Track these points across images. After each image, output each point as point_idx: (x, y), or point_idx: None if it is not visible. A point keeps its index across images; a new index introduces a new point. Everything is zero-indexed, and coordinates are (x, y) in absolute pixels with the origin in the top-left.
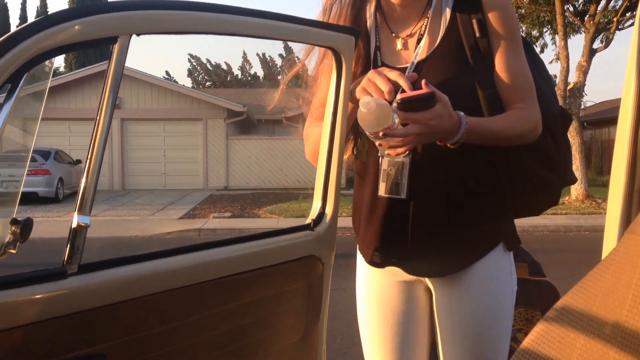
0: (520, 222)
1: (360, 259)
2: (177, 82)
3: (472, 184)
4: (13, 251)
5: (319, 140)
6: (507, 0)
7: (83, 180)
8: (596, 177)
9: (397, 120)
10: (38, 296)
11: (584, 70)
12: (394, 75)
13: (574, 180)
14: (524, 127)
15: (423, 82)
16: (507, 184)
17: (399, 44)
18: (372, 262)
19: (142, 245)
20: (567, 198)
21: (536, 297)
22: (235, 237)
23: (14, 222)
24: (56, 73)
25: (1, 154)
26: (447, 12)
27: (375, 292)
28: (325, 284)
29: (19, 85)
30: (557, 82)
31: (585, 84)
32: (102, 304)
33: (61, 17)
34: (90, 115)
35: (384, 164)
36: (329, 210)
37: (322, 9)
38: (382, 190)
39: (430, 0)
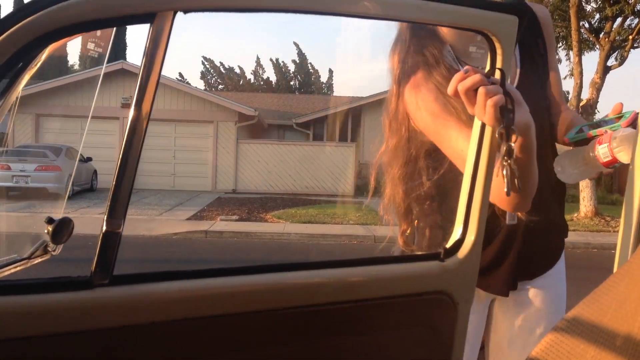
0: None
1: None
2: (189, 84)
3: (556, 188)
4: (54, 253)
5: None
6: (549, 14)
7: (114, 181)
8: (606, 195)
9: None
10: (56, 306)
11: (598, 87)
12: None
13: None
14: None
15: (619, 104)
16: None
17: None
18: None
19: (148, 245)
20: (575, 215)
21: None
22: (334, 260)
23: (50, 221)
24: (70, 70)
25: (13, 148)
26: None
27: None
28: (459, 327)
29: (32, 61)
30: (570, 97)
31: (598, 101)
32: (133, 323)
33: None
34: (103, 113)
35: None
36: (470, 239)
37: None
38: (509, 219)
39: None
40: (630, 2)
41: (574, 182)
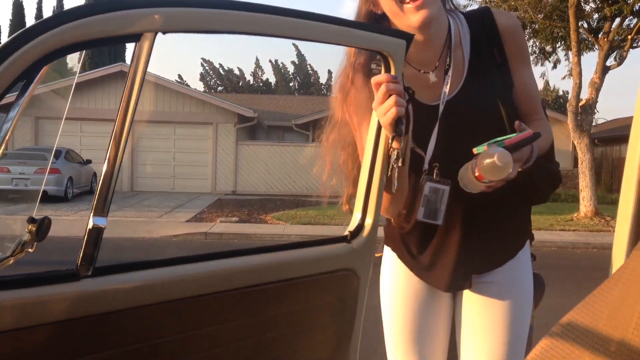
0: None
1: (386, 259)
2: (189, 86)
3: (505, 193)
4: (30, 250)
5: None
6: (518, 23)
7: (100, 181)
8: (606, 195)
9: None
10: (49, 297)
11: (597, 87)
12: (382, 77)
13: (558, 163)
14: (551, 135)
15: (517, 123)
16: (530, 186)
17: (432, 77)
18: (415, 271)
19: (148, 247)
20: (575, 215)
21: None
22: (264, 245)
23: (31, 221)
24: (69, 73)
25: (13, 151)
26: (467, 45)
27: (402, 291)
28: (360, 300)
29: (33, 81)
30: (569, 97)
31: (597, 101)
32: (115, 309)
33: (82, 11)
34: (102, 116)
35: (426, 189)
36: (368, 222)
37: (347, 64)
38: (420, 215)
39: (448, 35)
40: (628, 2)
41: (473, 191)
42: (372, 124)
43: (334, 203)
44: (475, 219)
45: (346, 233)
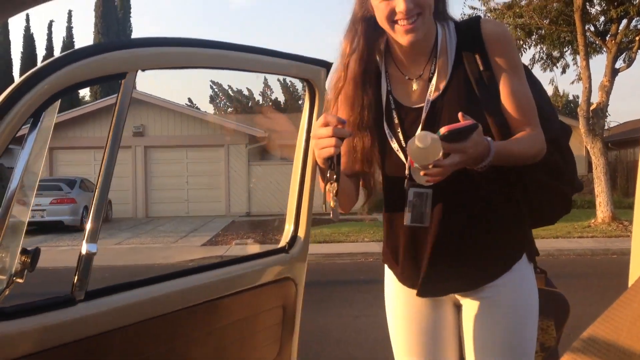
0: (546, 246)
1: (388, 280)
2: (199, 109)
3: (490, 203)
4: (20, 280)
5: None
6: (506, 31)
7: (91, 211)
8: (622, 199)
9: (442, 152)
10: (49, 324)
11: (607, 90)
12: (328, 131)
13: (581, 186)
14: (534, 147)
15: (460, 114)
16: (523, 199)
17: (414, 85)
18: (406, 283)
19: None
20: (593, 221)
21: (551, 308)
22: (215, 262)
23: (24, 252)
24: (81, 102)
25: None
26: (452, 52)
27: (404, 310)
28: (298, 304)
29: (41, 119)
30: (579, 102)
31: (608, 104)
32: (106, 330)
33: (77, 55)
34: None
35: (410, 195)
36: (301, 233)
37: (339, 65)
38: (407, 220)
39: (435, 43)
40: (634, 3)
41: (420, 182)
42: (300, 141)
43: (347, 220)
44: (463, 223)
45: (284, 244)
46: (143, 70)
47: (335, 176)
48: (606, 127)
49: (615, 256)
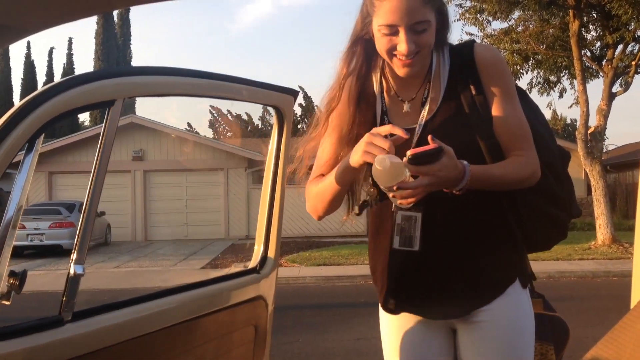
0: (547, 268)
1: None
2: (198, 133)
3: (482, 228)
4: (7, 302)
5: (318, 195)
6: (498, 56)
7: (79, 233)
8: (622, 221)
9: (408, 174)
10: (37, 345)
11: (604, 114)
12: (387, 128)
13: (579, 212)
14: (522, 172)
15: (429, 137)
16: (516, 224)
17: (405, 107)
18: (387, 309)
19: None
20: (593, 243)
21: (550, 332)
22: (191, 283)
23: (12, 274)
24: (81, 127)
25: (27, 207)
26: (445, 76)
27: (398, 336)
28: (269, 322)
29: (34, 147)
30: (577, 125)
31: (606, 127)
32: (92, 350)
33: (67, 84)
34: (115, 167)
35: (398, 218)
36: (271, 253)
37: (335, 85)
38: (396, 244)
39: (429, 68)
40: (630, 28)
41: (397, 204)
42: (269, 165)
43: (348, 243)
44: (453, 248)
45: (255, 264)
46: (128, 98)
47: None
48: (604, 150)
49: (616, 278)
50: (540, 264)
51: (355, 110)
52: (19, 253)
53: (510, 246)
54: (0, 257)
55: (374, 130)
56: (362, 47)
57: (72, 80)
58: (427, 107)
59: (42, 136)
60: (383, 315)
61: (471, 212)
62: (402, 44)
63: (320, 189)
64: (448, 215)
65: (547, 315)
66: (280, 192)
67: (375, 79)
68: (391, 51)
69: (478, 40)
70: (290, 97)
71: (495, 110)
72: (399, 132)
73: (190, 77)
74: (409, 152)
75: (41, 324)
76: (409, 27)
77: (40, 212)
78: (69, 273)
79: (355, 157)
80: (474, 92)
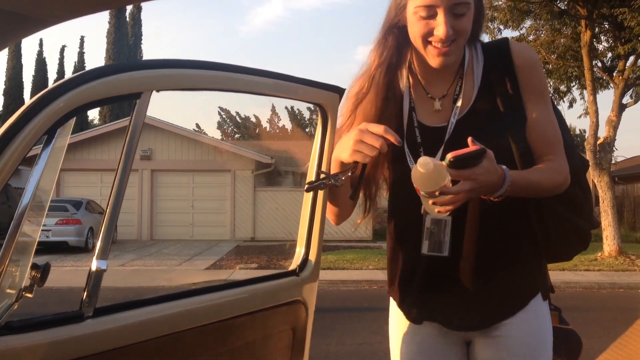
0: (552, 278)
1: (394, 314)
2: (206, 134)
3: (510, 237)
4: (30, 295)
5: (328, 199)
6: (537, 58)
7: (102, 227)
8: (629, 233)
9: (449, 179)
10: (57, 339)
11: (614, 125)
12: (379, 129)
13: (597, 223)
14: (558, 178)
15: (470, 139)
16: (542, 233)
17: (436, 105)
18: (410, 318)
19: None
20: (599, 254)
21: (563, 346)
22: (225, 283)
23: (34, 267)
24: (90, 125)
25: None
26: (479, 72)
27: (412, 347)
28: (309, 327)
29: (55, 137)
30: (587, 136)
31: (615, 139)
32: (114, 347)
33: (94, 74)
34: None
35: (427, 222)
36: (312, 256)
37: (364, 75)
38: (424, 248)
39: (462, 63)
40: None
41: (431, 214)
42: (312, 165)
43: (353, 247)
44: (481, 256)
45: (294, 267)
46: (158, 91)
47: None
48: (613, 162)
49: (622, 290)
50: None
51: (382, 105)
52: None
53: (535, 256)
54: (11, 250)
55: (363, 126)
56: (394, 37)
57: (97, 71)
58: (459, 105)
59: (69, 129)
60: (396, 321)
61: (499, 219)
62: (440, 27)
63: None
64: (476, 221)
65: (562, 329)
66: (323, 192)
67: (403, 74)
68: (427, 37)
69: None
70: (335, 95)
71: (531, 112)
72: (391, 138)
73: (230, 72)
74: (449, 155)
75: (61, 318)
76: (448, 9)
77: (47, 209)
78: (90, 268)
79: (344, 154)
80: (510, 90)
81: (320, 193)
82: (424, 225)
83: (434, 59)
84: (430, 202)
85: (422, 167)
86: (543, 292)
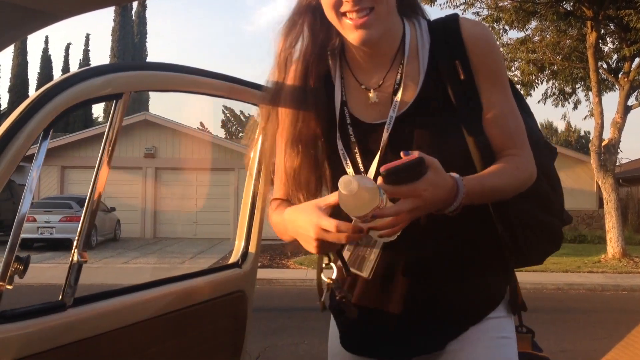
0: (556, 280)
1: (333, 333)
2: (210, 133)
3: (467, 245)
4: (9, 287)
5: (284, 235)
6: (491, 36)
7: (82, 221)
8: (633, 235)
9: (384, 197)
10: (41, 327)
11: (619, 127)
12: (331, 225)
13: (569, 219)
14: (522, 175)
15: (402, 153)
16: (505, 235)
17: (372, 97)
18: (347, 347)
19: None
20: (603, 256)
21: None
22: (174, 276)
23: (17, 259)
24: (94, 123)
25: (39, 200)
26: (425, 56)
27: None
28: (249, 314)
29: (48, 138)
30: (591, 138)
31: (620, 141)
32: (88, 336)
33: (81, 76)
34: (126, 164)
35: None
36: (252, 249)
37: (275, 65)
38: (343, 259)
39: (401, 44)
40: None
41: (377, 239)
42: (253, 162)
43: None
44: (432, 272)
45: (237, 259)
46: (135, 91)
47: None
48: (618, 164)
49: (626, 292)
50: (549, 276)
51: (305, 97)
52: (28, 245)
53: (498, 264)
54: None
55: (316, 220)
56: (308, 18)
57: (83, 73)
58: (399, 96)
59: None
60: (334, 344)
61: (453, 228)
62: None
63: (282, 229)
64: (424, 232)
65: (536, 356)
66: (263, 187)
67: (333, 61)
68: (337, 7)
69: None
70: None
71: (488, 99)
72: (349, 233)
73: (193, 75)
74: (382, 168)
75: (45, 308)
76: None
77: (52, 206)
78: (72, 259)
79: (310, 248)
80: (462, 76)
81: (261, 186)
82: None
83: (351, 33)
84: (366, 227)
85: (345, 189)
86: (507, 306)
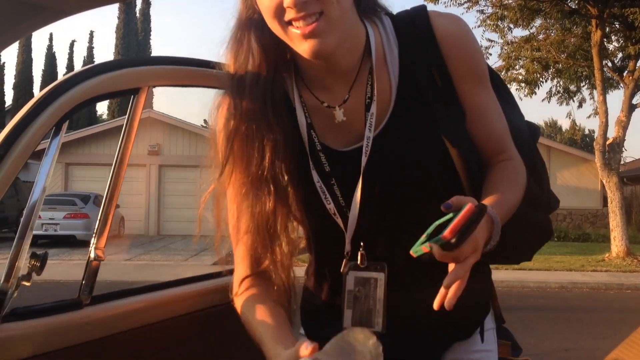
0: (559, 278)
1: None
2: None
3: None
4: (27, 284)
5: (251, 333)
6: (467, 30)
7: (99, 219)
8: (637, 234)
9: (380, 349)
10: (57, 326)
11: (624, 126)
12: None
13: (556, 203)
14: (522, 180)
15: (442, 207)
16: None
17: (338, 115)
18: None
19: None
20: (607, 255)
21: None
22: (207, 273)
23: (34, 256)
24: (99, 120)
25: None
26: (394, 62)
27: None
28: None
29: (60, 132)
30: (596, 136)
31: (624, 139)
32: (104, 335)
33: (96, 70)
34: (130, 161)
35: (349, 283)
36: None
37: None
38: (346, 321)
39: (365, 50)
40: None
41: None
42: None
43: None
44: (410, 281)
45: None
46: (153, 87)
47: None
48: (622, 162)
49: (629, 291)
50: (553, 274)
51: (271, 128)
52: (33, 242)
53: (483, 276)
54: (24, 239)
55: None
56: (254, 32)
57: (99, 67)
58: (373, 112)
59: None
60: None
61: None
62: None
63: (250, 332)
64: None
65: None
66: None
67: (289, 82)
68: (280, 15)
69: (498, 50)
70: None
71: (471, 102)
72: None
73: (209, 68)
74: (447, 234)
75: (61, 305)
76: None
77: (56, 203)
78: (89, 257)
79: None
80: (438, 80)
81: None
82: (344, 288)
83: (300, 45)
84: None
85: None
86: (493, 317)
